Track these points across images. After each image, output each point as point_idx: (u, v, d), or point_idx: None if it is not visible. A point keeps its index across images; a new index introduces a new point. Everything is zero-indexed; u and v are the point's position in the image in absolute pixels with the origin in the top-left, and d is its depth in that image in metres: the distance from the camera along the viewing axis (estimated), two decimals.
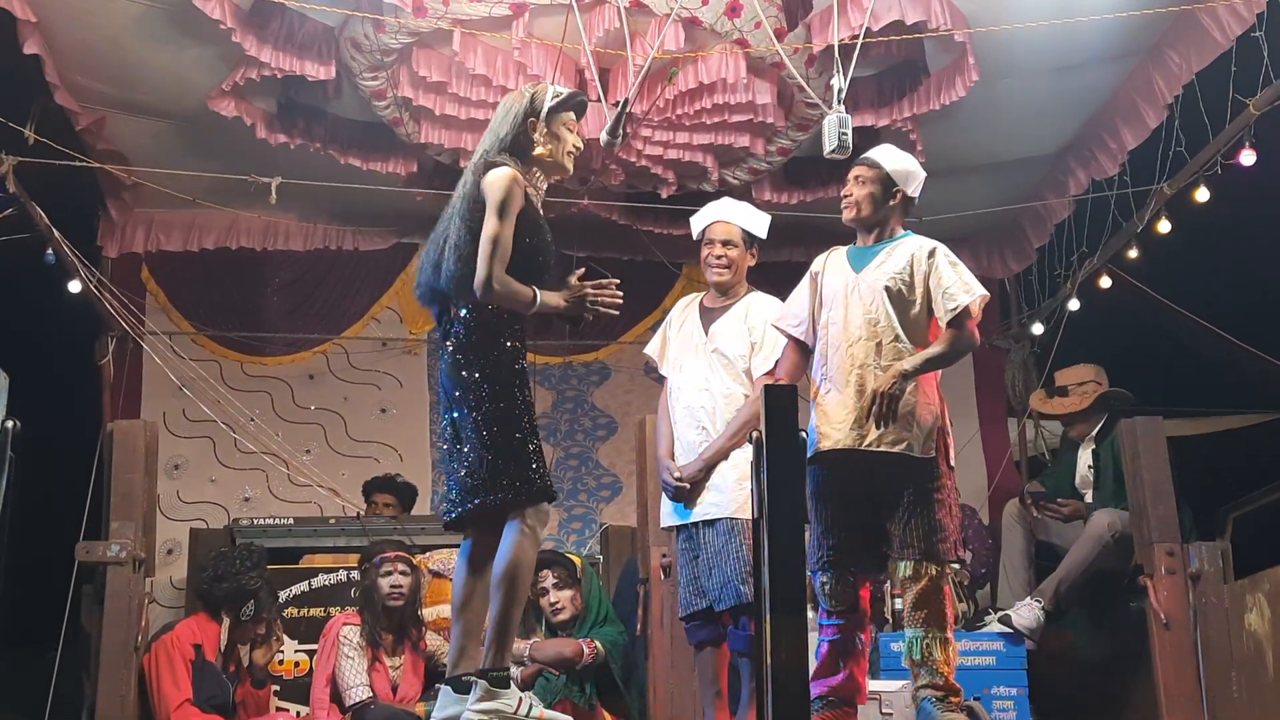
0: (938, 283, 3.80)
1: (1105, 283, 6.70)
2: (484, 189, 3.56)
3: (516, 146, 3.68)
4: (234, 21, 5.21)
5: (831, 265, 3.97)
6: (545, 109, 3.70)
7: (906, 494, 3.72)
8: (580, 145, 3.82)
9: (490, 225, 3.50)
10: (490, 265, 3.47)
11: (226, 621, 5.12)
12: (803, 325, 4.01)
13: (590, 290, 3.62)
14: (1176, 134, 5.76)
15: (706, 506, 4.22)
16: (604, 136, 4.59)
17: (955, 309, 3.78)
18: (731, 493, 4.16)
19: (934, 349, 3.80)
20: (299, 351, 7.47)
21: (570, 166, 3.79)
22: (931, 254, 3.85)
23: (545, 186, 3.78)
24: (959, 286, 3.80)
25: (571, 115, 3.76)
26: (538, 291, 3.53)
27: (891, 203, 3.90)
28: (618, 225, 6.89)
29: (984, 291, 3.84)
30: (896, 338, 3.79)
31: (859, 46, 4.60)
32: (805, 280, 4.03)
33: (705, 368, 4.32)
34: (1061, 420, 6.12)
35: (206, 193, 6.48)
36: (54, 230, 5.96)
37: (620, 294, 3.66)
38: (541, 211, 3.70)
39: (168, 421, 6.85)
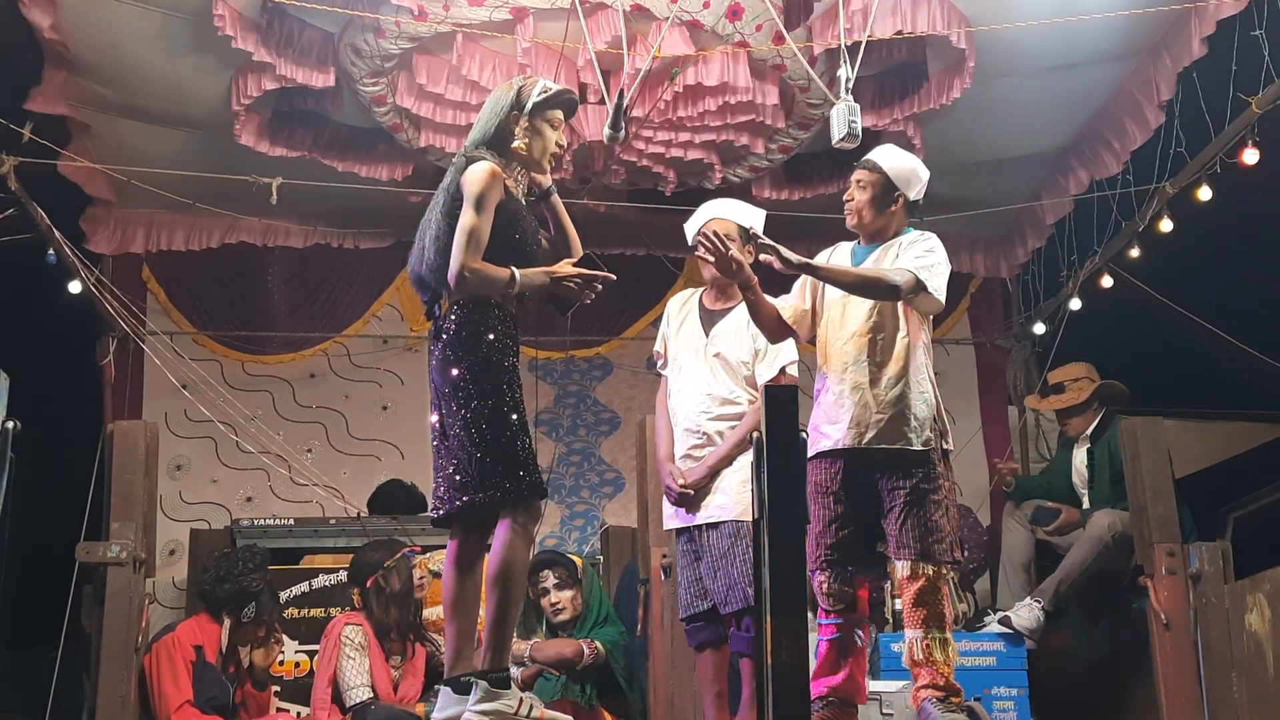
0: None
1: (1106, 282, 6.71)
2: (462, 183, 3.56)
3: (498, 139, 3.67)
4: (238, 29, 5.23)
5: (835, 263, 3.96)
6: (530, 103, 3.68)
7: (903, 493, 3.72)
8: (564, 143, 3.79)
9: (465, 217, 3.50)
10: (463, 256, 3.46)
11: (227, 622, 5.12)
12: (790, 309, 4.00)
13: (571, 271, 3.59)
14: (1177, 133, 5.75)
15: (711, 509, 4.21)
16: (606, 130, 4.59)
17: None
18: (735, 495, 4.14)
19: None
20: (300, 350, 7.48)
21: (548, 165, 3.76)
22: (912, 243, 3.83)
23: (541, 180, 3.77)
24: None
25: (558, 113, 3.73)
26: (516, 271, 3.51)
27: (892, 208, 3.85)
28: (620, 219, 6.90)
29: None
30: (894, 333, 3.79)
31: (863, 44, 4.59)
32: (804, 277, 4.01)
33: (706, 372, 4.29)
34: (1060, 416, 6.11)
35: (207, 194, 6.48)
36: (54, 230, 5.96)
37: (599, 287, 3.61)
38: (524, 203, 3.69)
39: (169, 422, 6.86)
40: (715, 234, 3.82)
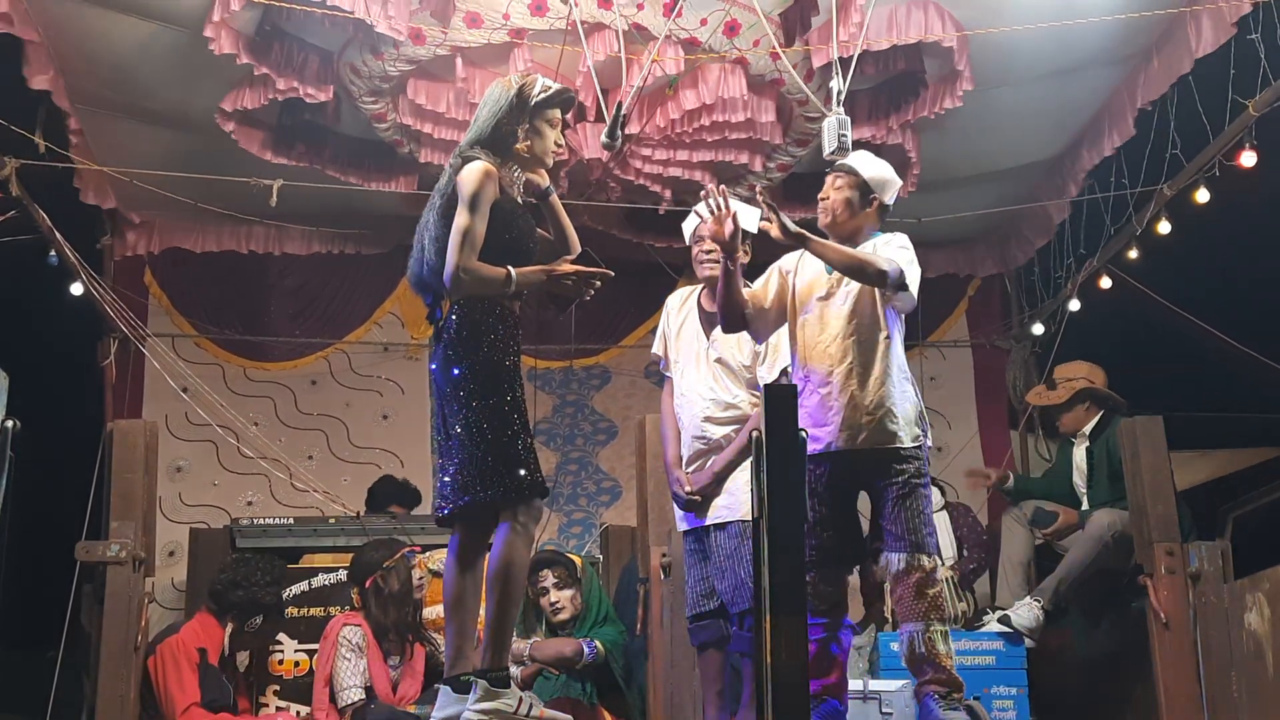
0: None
1: (1105, 283, 6.73)
2: (457, 184, 3.56)
3: (496, 139, 3.66)
4: (237, 47, 5.26)
5: (805, 266, 3.96)
6: (531, 103, 3.68)
7: (896, 488, 3.73)
8: (562, 143, 3.79)
9: (460, 218, 3.51)
10: (458, 257, 3.47)
11: (230, 627, 5.12)
12: (749, 295, 4.00)
13: (568, 269, 3.61)
14: (1175, 135, 5.78)
15: (719, 510, 4.22)
16: (603, 139, 4.60)
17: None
18: (742, 496, 4.14)
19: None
20: (302, 356, 7.50)
21: (549, 163, 3.76)
22: (887, 242, 3.86)
23: (538, 179, 3.77)
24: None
25: (557, 112, 3.74)
26: (512, 270, 3.52)
27: (867, 209, 3.90)
28: (618, 239, 6.92)
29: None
30: (874, 332, 3.80)
31: (856, 54, 4.62)
32: (773, 274, 3.99)
33: (709, 377, 4.29)
34: (1051, 412, 6.13)
35: (209, 197, 6.50)
36: (56, 232, 5.98)
37: (597, 284, 3.63)
38: (521, 202, 3.70)
39: (170, 424, 6.88)
40: (723, 191, 3.83)
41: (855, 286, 3.81)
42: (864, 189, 3.90)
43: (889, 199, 3.94)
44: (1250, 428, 6.87)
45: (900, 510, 3.72)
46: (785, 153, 6.12)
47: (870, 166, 3.95)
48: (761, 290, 3.99)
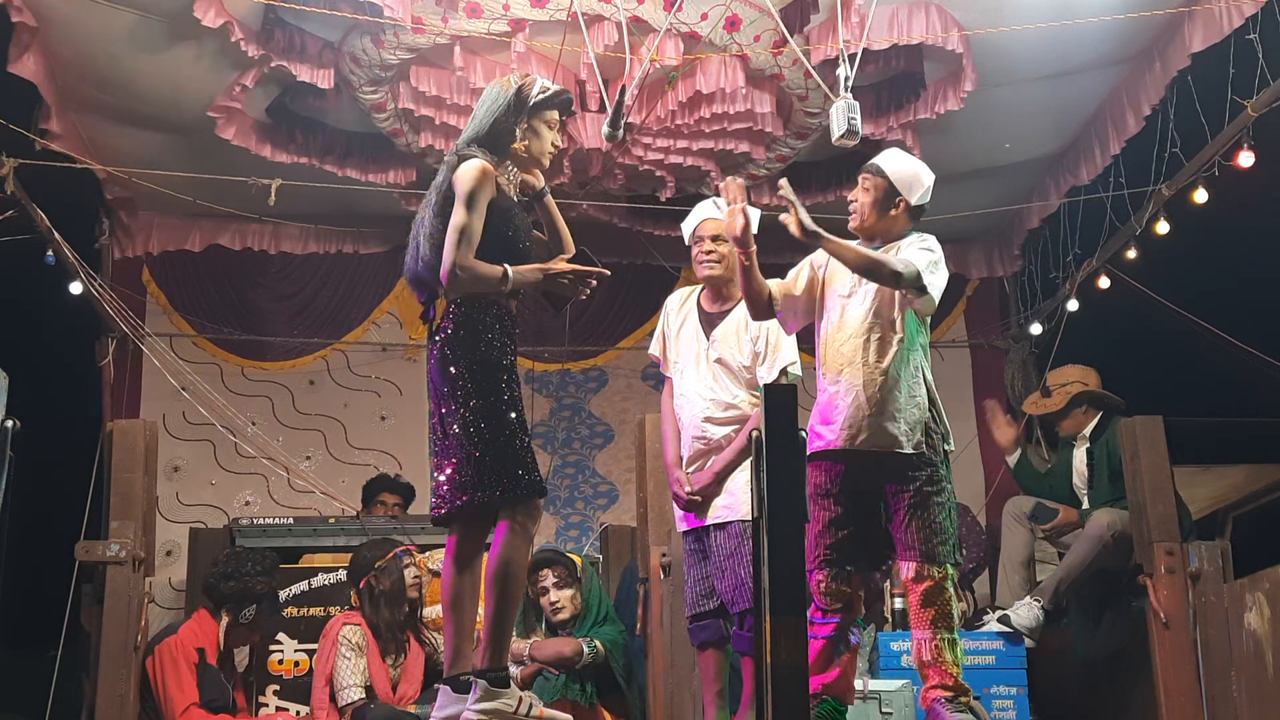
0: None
1: (1104, 283, 6.74)
2: (454, 181, 3.56)
3: (493, 138, 3.66)
4: (237, 32, 5.25)
5: (833, 262, 3.93)
6: (530, 103, 3.68)
7: (908, 495, 3.72)
8: (559, 143, 3.80)
9: (457, 216, 3.50)
10: (455, 254, 3.47)
11: (225, 620, 5.11)
12: (778, 286, 4.00)
13: (564, 268, 3.62)
14: (1173, 135, 5.79)
15: (719, 510, 4.22)
16: (605, 129, 4.60)
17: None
18: (742, 496, 4.14)
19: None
20: (299, 356, 7.50)
21: (546, 164, 3.77)
22: (911, 244, 3.83)
23: (534, 181, 3.78)
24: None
25: (555, 113, 3.74)
26: (509, 268, 3.52)
27: (894, 211, 3.86)
28: (618, 228, 6.92)
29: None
30: (890, 334, 3.79)
31: (860, 51, 4.62)
32: (805, 267, 4.00)
33: (708, 377, 4.30)
34: (1050, 420, 6.13)
35: (208, 198, 6.49)
36: (54, 231, 5.98)
37: (594, 282, 3.64)
38: (516, 200, 3.70)
39: (167, 423, 6.88)
40: (740, 185, 3.82)
41: (875, 286, 3.80)
42: (889, 190, 3.86)
43: (916, 199, 3.88)
44: (1250, 431, 6.87)
45: (912, 519, 3.71)
46: (784, 144, 6.15)
47: (896, 165, 3.90)
48: (793, 282, 3.98)
